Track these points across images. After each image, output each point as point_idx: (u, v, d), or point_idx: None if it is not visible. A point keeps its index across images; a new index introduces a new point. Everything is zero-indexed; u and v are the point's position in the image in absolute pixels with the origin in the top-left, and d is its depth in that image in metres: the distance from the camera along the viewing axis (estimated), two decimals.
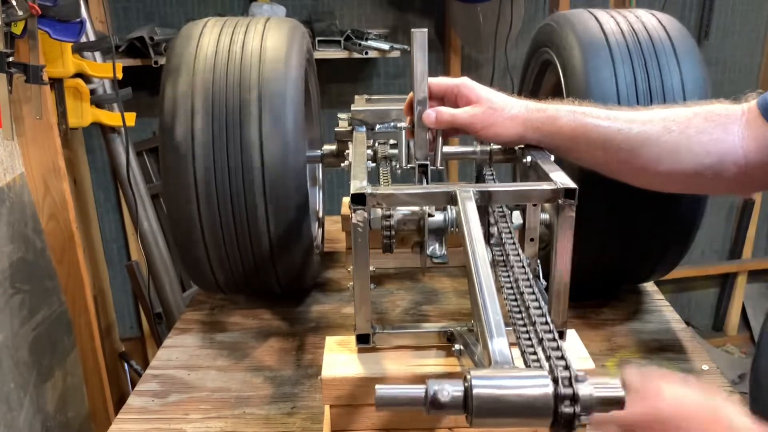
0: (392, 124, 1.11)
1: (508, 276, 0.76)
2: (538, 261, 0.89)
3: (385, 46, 2.33)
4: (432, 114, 0.91)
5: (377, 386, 0.53)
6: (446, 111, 0.91)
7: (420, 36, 0.87)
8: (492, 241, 0.85)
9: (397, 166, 1.00)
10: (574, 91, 1.03)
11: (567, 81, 1.06)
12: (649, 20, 1.08)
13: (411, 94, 0.92)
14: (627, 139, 0.87)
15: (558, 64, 1.10)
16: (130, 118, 2.04)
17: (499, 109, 0.90)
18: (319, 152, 1.23)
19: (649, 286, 1.29)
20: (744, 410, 0.63)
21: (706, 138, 0.84)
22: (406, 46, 2.34)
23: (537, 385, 0.51)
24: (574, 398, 0.50)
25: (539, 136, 0.91)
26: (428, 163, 0.94)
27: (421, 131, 0.92)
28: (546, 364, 0.57)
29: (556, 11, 1.96)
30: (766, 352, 0.86)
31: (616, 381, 0.53)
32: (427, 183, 0.95)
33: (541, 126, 0.90)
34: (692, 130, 0.85)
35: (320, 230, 1.42)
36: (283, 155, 1.00)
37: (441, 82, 0.93)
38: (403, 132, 0.97)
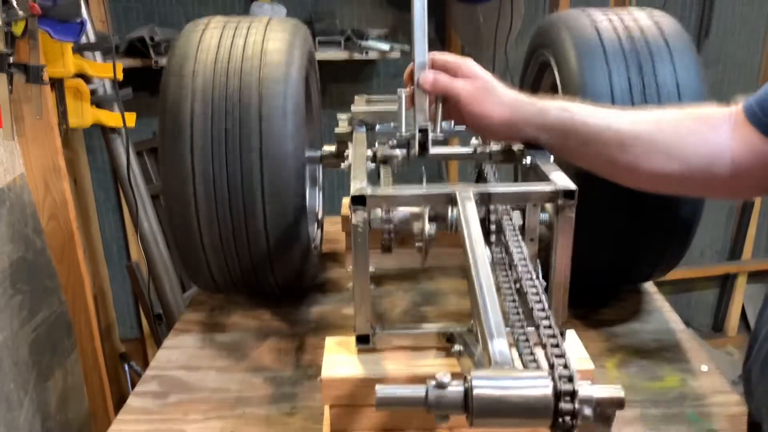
0: (392, 125, 1.11)
1: (508, 276, 0.76)
2: (538, 261, 0.88)
3: (386, 46, 2.33)
4: (430, 75, 0.91)
5: (377, 386, 0.53)
6: (445, 76, 0.92)
7: (420, 1, 0.88)
8: (492, 241, 0.85)
9: (397, 134, 0.98)
10: (569, 91, 1.03)
11: (563, 81, 1.06)
12: (644, 19, 1.07)
13: (412, 64, 0.92)
14: (617, 134, 0.86)
15: (554, 65, 1.10)
16: (131, 118, 2.04)
17: (492, 91, 0.91)
18: (318, 153, 1.22)
19: (649, 287, 1.29)
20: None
21: (697, 139, 0.84)
22: (406, 46, 2.34)
23: (537, 386, 0.51)
24: (573, 399, 0.50)
25: (528, 129, 0.91)
26: (428, 126, 0.93)
27: (421, 95, 0.92)
28: (546, 365, 0.57)
29: (556, 11, 1.96)
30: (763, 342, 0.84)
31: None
32: (428, 150, 0.94)
33: (531, 118, 0.90)
34: (684, 130, 0.85)
35: (319, 231, 1.42)
36: (282, 157, 0.99)
37: (446, 56, 0.94)
38: (403, 99, 0.96)
